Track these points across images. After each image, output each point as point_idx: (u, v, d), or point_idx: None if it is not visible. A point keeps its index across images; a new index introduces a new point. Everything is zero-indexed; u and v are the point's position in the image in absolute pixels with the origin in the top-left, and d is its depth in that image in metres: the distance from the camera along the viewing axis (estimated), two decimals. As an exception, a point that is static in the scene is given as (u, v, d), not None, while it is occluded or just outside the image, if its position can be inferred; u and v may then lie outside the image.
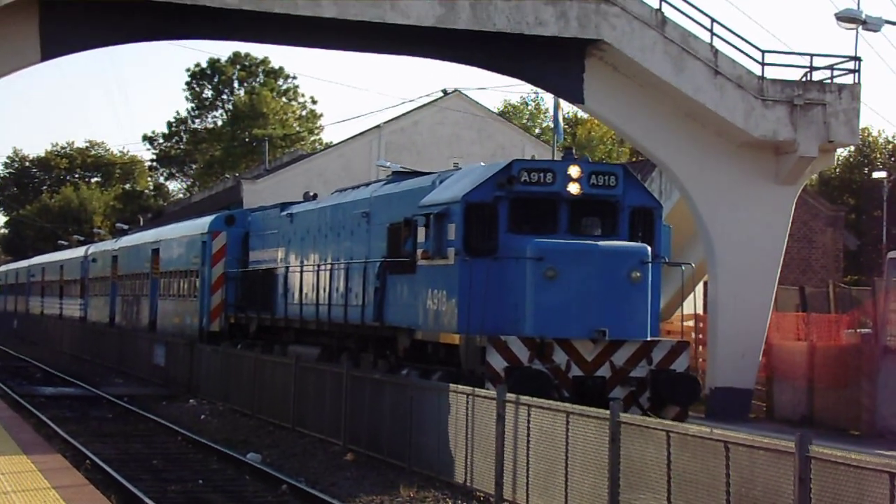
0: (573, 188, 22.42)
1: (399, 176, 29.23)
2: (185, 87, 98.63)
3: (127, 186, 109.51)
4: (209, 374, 34.94)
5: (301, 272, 31.20)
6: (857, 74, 36.07)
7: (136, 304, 47.82)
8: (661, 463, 15.45)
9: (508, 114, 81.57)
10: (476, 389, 18.82)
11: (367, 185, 29.83)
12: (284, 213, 34.18)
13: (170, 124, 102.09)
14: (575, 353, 20.95)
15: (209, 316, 37.35)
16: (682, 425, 15.81)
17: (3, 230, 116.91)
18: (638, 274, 21.82)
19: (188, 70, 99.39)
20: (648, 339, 21.36)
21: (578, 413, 16.59)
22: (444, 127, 54.98)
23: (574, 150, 24.40)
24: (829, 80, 35.71)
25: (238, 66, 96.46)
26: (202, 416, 30.84)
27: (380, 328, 24.85)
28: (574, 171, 22.46)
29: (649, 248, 21.94)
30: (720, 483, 14.40)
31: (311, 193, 36.24)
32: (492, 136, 51.02)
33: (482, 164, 28.67)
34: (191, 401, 34.03)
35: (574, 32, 36.47)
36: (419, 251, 23.29)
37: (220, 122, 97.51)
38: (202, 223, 39.91)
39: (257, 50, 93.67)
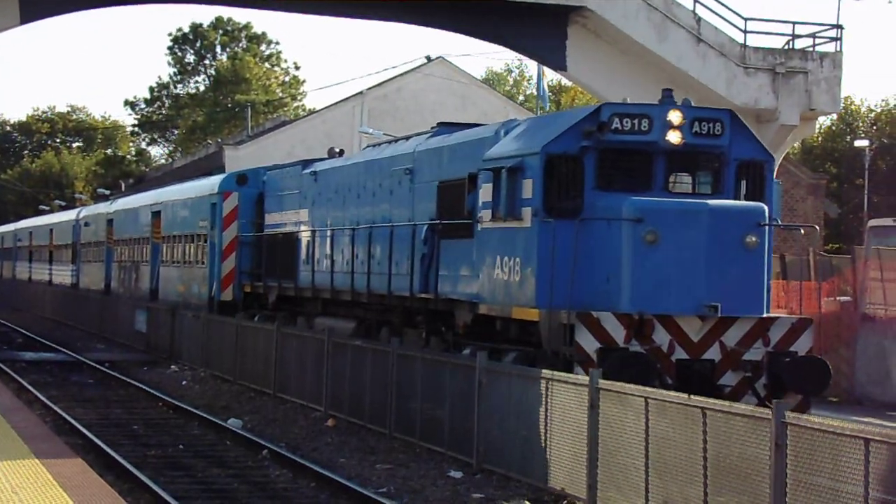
0: (674, 137, 19.42)
1: (447, 127, 25.78)
2: (168, 51, 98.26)
3: (109, 152, 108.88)
4: (191, 341, 34.48)
5: (332, 236, 28.02)
6: (839, 43, 36.30)
7: (135, 270, 45.45)
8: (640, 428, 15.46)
9: (492, 81, 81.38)
10: (573, 376, 17.16)
11: (408, 138, 26.58)
12: (307, 170, 30.96)
13: (151, 89, 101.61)
14: (679, 333, 18.20)
15: (220, 284, 34.63)
16: (660, 391, 15.59)
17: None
18: (754, 238, 19.02)
19: (170, 35, 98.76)
20: (764, 315, 18.67)
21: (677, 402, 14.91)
22: (427, 94, 55.08)
23: (673, 93, 20.85)
24: (811, 49, 35.79)
25: (220, 31, 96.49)
26: (183, 382, 30.96)
27: (433, 300, 22.11)
28: (675, 116, 19.41)
29: (766, 209, 19.32)
30: (698, 448, 14.44)
31: (338, 150, 33.65)
32: (475, 103, 51.08)
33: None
34: (172, 367, 34.07)
35: (557, -1, 36.32)
36: (482, 212, 20.55)
37: (202, 88, 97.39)
38: (211, 183, 37.10)
39: (240, 15, 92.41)
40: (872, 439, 11.88)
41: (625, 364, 16.94)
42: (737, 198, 19.34)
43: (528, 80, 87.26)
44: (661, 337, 17.82)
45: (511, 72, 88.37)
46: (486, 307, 20.10)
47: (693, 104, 20.10)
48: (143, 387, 29.34)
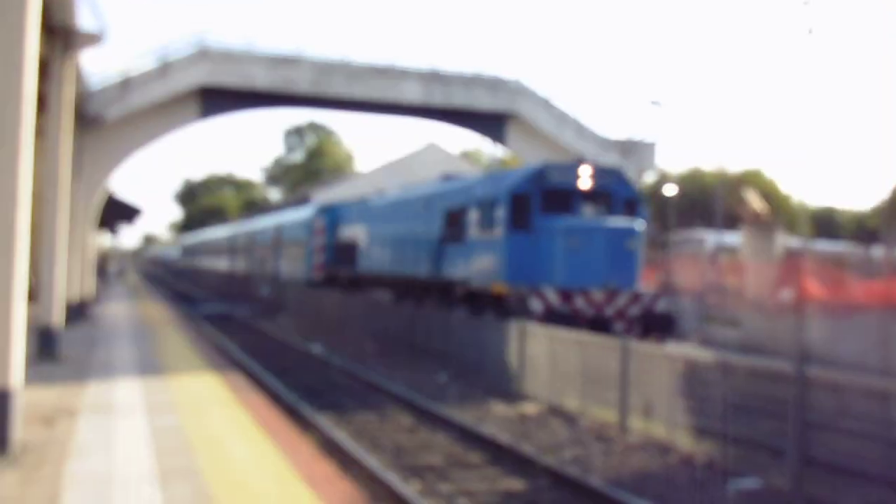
0: (586, 183, 20.04)
1: (448, 178, 26.77)
2: (283, 138, 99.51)
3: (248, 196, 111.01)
4: (292, 301, 37.10)
5: (381, 243, 28.79)
6: (656, 136, 36.33)
7: (265, 262, 47.66)
8: (546, 354, 16.01)
9: (466, 154, 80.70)
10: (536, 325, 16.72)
11: (425, 183, 28.88)
12: (364, 204, 32.64)
13: (274, 160, 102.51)
14: (590, 300, 18.72)
15: (313, 270, 36.58)
16: (560, 331, 15.98)
17: (180, 220, 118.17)
18: (632, 245, 19.40)
19: (285, 129, 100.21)
20: (637, 290, 19.54)
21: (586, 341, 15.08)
22: (427, 164, 56.21)
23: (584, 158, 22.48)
24: (640, 140, 35.82)
25: (312, 129, 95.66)
26: (289, 325, 33.18)
27: (443, 281, 23.00)
28: (587, 170, 20.09)
29: (638, 225, 20.00)
30: (578, 365, 14.73)
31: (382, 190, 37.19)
32: (455, 168, 50.99)
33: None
34: (282, 316, 37.11)
35: (502, 109, 36.84)
36: (472, 228, 21.41)
37: (300, 159, 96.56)
38: (309, 212, 39.65)
39: (320, 117, 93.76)
40: (672, 357, 12.07)
41: (559, 319, 17.52)
42: (624, 220, 19.95)
43: (486, 154, 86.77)
44: (580, 303, 18.62)
45: (477, 149, 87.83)
46: (475, 285, 21.15)
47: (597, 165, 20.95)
48: (267, 327, 31.91)
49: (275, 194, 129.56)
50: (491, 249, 20.28)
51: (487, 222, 20.49)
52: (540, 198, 19.87)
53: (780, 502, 10.06)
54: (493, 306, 20.25)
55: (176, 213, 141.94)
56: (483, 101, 40.60)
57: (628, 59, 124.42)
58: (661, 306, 19.52)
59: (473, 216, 21.31)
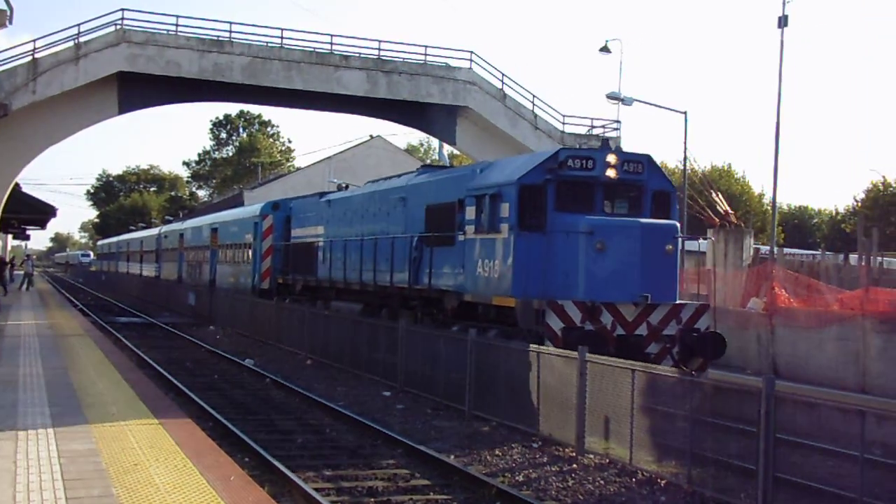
0: (611, 173, 17.54)
1: (427, 168, 24.84)
2: (210, 131, 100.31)
3: (172, 193, 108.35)
4: (223, 310, 36.52)
5: (345, 245, 26.12)
6: (619, 130, 36.62)
7: (199, 267, 45.77)
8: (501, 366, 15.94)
9: (411, 150, 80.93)
10: (568, 352, 14.17)
11: (399, 176, 25.36)
12: (323, 199, 29.87)
13: (199, 154, 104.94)
14: (619, 315, 16.48)
15: (260, 276, 34.38)
16: (513, 343, 16.14)
17: (95, 220, 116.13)
18: (671, 247, 17.08)
19: (211, 120, 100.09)
20: (677, 302, 17.40)
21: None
22: (371, 158, 56.86)
23: (609, 142, 19.79)
24: (602, 134, 36.24)
25: (242, 119, 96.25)
26: (217, 336, 32.94)
27: (427, 290, 20.63)
28: (612, 158, 17.61)
29: (678, 225, 18.09)
30: (535, 377, 14.85)
31: (344, 185, 33.16)
32: (401, 164, 51.32)
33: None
34: (210, 327, 35.70)
35: (451, 101, 37.21)
36: (467, 227, 19.00)
37: (231, 153, 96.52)
38: (254, 209, 37.65)
39: (254, 109, 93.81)
40: (636, 369, 12.62)
41: (582, 340, 15.02)
42: (653, 218, 17.85)
43: (434, 150, 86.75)
44: (606, 318, 16.41)
45: (423, 144, 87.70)
46: (471, 296, 18.89)
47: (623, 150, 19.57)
48: (192, 339, 31.41)
49: (203, 193, 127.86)
50: (492, 253, 18.02)
51: (487, 220, 18.12)
52: (555, 190, 17.44)
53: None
54: (495, 322, 18.26)
55: (90, 211, 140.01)
56: (431, 94, 40.40)
57: (592, 52, 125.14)
58: (704, 322, 17.33)
59: (468, 213, 18.98)
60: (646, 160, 18.25)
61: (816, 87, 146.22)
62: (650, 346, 16.69)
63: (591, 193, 17.72)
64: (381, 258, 23.45)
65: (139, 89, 38.77)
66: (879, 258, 31.35)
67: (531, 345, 15.67)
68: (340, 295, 26.96)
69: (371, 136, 69.68)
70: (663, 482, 11.61)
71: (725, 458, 11.51)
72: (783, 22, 35.43)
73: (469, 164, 23.48)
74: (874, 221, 50.99)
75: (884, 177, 64.00)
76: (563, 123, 42.23)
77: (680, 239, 18.18)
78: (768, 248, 35.77)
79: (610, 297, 16.67)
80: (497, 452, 13.60)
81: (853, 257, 33.78)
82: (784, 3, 35.45)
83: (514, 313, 17.31)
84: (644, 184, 18.14)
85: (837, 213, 78.88)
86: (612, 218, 17.68)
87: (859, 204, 64.76)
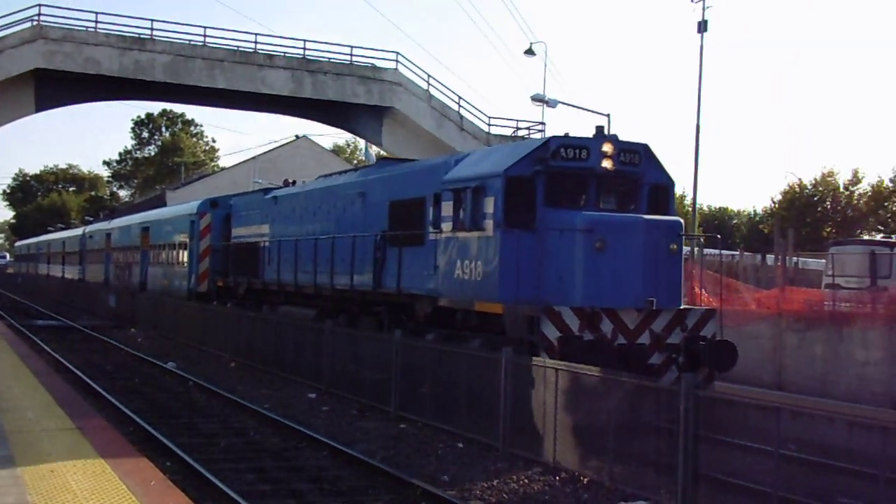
0: (607, 164, 15.91)
1: (387, 162, 23.42)
2: (131, 130, 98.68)
3: (92, 193, 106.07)
4: (145, 312, 35.40)
5: (296, 244, 24.15)
6: (543, 133, 37.03)
7: (128, 269, 43.11)
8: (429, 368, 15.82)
9: (338, 150, 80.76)
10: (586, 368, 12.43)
11: (355, 170, 24.02)
12: (268, 196, 27.78)
13: (120, 153, 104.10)
14: (620, 323, 14.86)
15: (197, 279, 32.13)
16: (441, 345, 15.90)
17: (12, 221, 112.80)
18: (675, 246, 15.58)
19: (133, 119, 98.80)
20: (682, 307, 15.88)
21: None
22: (296, 159, 56.63)
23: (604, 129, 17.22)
24: (527, 136, 36.56)
25: (165, 118, 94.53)
26: (139, 339, 31.81)
27: (396, 295, 18.81)
28: (608, 147, 15.94)
29: (682, 222, 16.59)
30: (462, 378, 14.72)
31: (291, 180, 30.34)
32: (327, 165, 50.99)
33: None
34: (132, 330, 34.88)
35: (377, 102, 37.23)
36: (443, 224, 17.17)
37: (153, 153, 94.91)
38: (190, 206, 35.24)
39: (177, 108, 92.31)
40: (559, 368, 12.66)
41: (583, 352, 13.74)
42: (649, 213, 16.24)
43: (361, 150, 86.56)
44: (606, 326, 14.80)
45: (349, 145, 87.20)
46: (447, 300, 17.15)
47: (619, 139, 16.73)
48: (113, 342, 30.31)
49: (124, 193, 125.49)
50: (474, 253, 16.30)
51: (469, 216, 16.36)
52: (546, 182, 15.81)
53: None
54: (476, 330, 16.46)
55: (5, 212, 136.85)
56: (357, 94, 40.45)
57: (518, 55, 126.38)
58: (710, 329, 15.79)
59: (444, 208, 17.20)
60: (643, 150, 16.66)
61: (736, 90, 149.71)
62: (653, 357, 15.11)
63: (585, 186, 16.18)
64: (340, 259, 21.67)
65: (57, 87, 37.90)
66: (795, 258, 32.42)
67: (456, 344, 15.41)
68: (291, 299, 25.13)
69: (297, 137, 69.42)
70: (586, 480, 11.71)
71: (648, 456, 11.39)
72: (703, 27, 36.47)
73: (441, 156, 21.45)
74: (790, 222, 51.91)
75: (800, 179, 66.49)
76: (489, 125, 42.70)
77: (682, 237, 16.36)
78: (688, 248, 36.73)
79: (611, 302, 15.09)
80: (423, 453, 13.55)
81: (770, 257, 34.51)
82: (703, 10, 36.62)
83: (500, 320, 15.58)
84: (641, 176, 16.58)
85: (756, 214, 80.00)
86: (613, 214, 16.17)
87: (776, 205, 65.43)
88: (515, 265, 15.43)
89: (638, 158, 16.41)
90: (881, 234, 58.06)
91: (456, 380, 15.14)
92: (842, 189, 64.98)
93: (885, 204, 63.62)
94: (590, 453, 12.23)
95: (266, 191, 29.37)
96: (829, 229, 61.33)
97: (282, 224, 26.11)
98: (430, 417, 15.50)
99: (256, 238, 27.98)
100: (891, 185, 64.03)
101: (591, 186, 16.18)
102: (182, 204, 39.73)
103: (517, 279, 15.35)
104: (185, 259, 33.57)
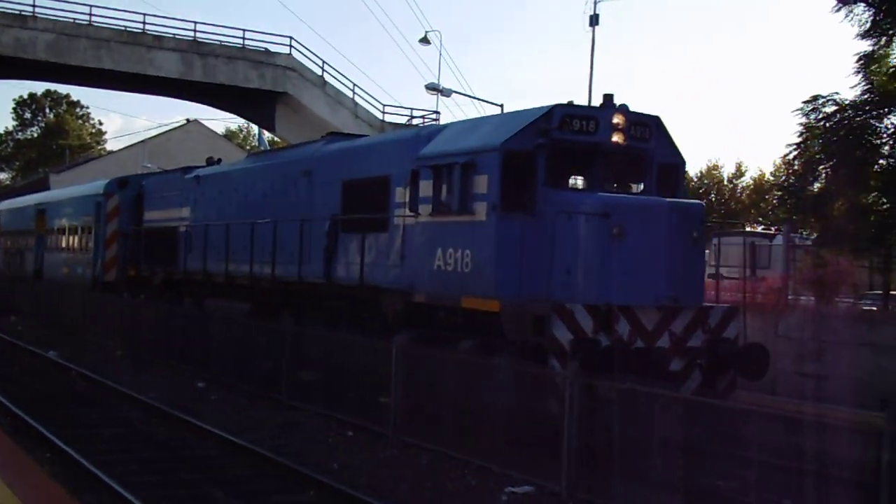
0: (617, 138, 13.75)
1: (338, 137, 20.27)
2: (13, 111, 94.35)
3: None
4: (26, 299, 33.43)
5: (227, 230, 21.24)
6: (437, 122, 37.33)
7: (20, 256, 39.03)
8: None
9: (230, 135, 79.39)
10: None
11: (300, 146, 21.30)
12: (189, 176, 25.04)
13: (1, 135, 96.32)
14: (637, 323, 12.64)
15: (103, 267, 29.12)
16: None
17: None
18: (698, 234, 13.49)
19: (14, 99, 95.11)
20: (704, 304, 13.96)
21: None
22: (187, 143, 55.83)
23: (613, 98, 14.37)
24: (421, 124, 36.80)
25: (49, 98, 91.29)
26: (19, 328, 30.03)
27: (357, 288, 16.47)
28: (619, 119, 13.69)
29: (704, 206, 14.90)
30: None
31: (216, 158, 27.52)
32: (220, 150, 50.25)
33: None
34: (12, 318, 32.57)
35: (270, 87, 36.88)
36: (421, 206, 14.76)
37: (36, 135, 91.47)
38: (97, 186, 31.58)
39: (63, 88, 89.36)
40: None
41: (602, 360, 11.48)
42: (659, 195, 14.13)
43: (253, 136, 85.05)
44: (623, 327, 12.54)
45: (242, 130, 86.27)
46: (425, 296, 14.72)
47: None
48: None
49: (3, 175, 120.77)
50: (461, 241, 13.97)
51: (457, 197, 13.91)
52: (547, 158, 13.56)
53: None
54: (463, 330, 14.04)
55: None
56: (250, 78, 39.89)
57: (413, 43, 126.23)
58: (733, 329, 13.73)
59: (422, 188, 14.83)
60: (654, 123, 14.51)
61: (626, 81, 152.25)
62: (673, 363, 12.90)
63: (591, 163, 14.14)
64: (282, 247, 19.08)
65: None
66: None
67: (342, 332, 14.99)
68: (220, 291, 22.35)
69: (187, 121, 68.06)
70: (475, 467, 11.66)
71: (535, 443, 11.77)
72: (594, 21, 37.12)
73: (406, 130, 19.54)
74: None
75: (686, 171, 68.62)
76: (384, 113, 42.76)
77: (704, 224, 14.39)
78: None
79: (629, 299, 12.83)
80: (313, 441, 13.51)
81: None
82: (595, 3, 37.25)
83: (494, 319, 13.27)
84: (651, 153, 14.47)
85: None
86: (629, 196, 14.41)
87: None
88: (515, 255, 13.28)
89: (649, 133, 14.32)
90: (762, 227, 60.62)
91: (349, 367, 14.66)
92: (726, 182, 68.85)
93: (766, 196, 64.91)
94: (478, 441, 12.12)
95: (186, 169, 26.44)
96: (714, 219, 65.07)
97: (206, 207, 23.57)
98: (322, 406, 15.20)
99: (175, 222, 25.26)
100: (772, 178, 68.15)
101: (597, 163, 14.12)
102: (91, 183, 35.40)
103: (518, 271, 13.23)
104: (90, 245, 30.29)
